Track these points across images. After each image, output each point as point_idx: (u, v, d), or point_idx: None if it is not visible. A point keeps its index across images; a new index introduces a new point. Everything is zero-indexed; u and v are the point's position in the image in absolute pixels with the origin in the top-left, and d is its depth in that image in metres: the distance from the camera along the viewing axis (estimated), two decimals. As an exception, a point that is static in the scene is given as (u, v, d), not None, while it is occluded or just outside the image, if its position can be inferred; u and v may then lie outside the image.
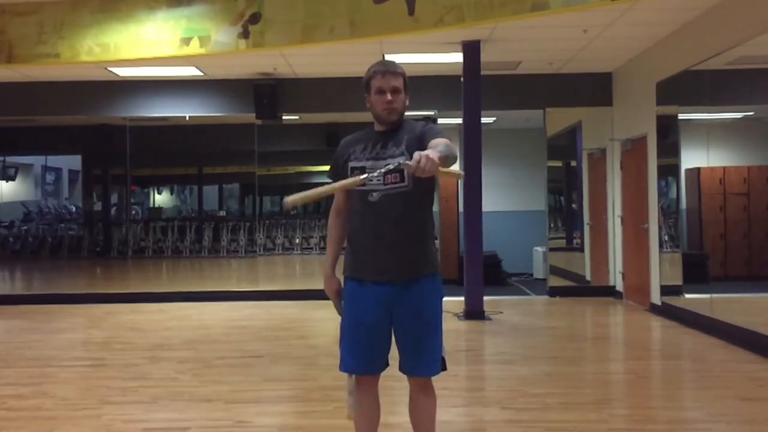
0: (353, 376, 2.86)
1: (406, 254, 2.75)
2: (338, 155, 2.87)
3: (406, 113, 2.87)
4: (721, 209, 6.99)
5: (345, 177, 2.78)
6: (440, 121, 9.25)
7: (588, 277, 9.62)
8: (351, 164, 2.78)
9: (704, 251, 7.17)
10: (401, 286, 2.75)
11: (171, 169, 12.09)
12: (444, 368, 2.83)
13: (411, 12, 5.44)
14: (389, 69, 2.76)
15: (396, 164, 2.53)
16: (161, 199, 12.68)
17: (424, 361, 2.80)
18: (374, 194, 2.71)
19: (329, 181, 2.85)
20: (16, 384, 4.95)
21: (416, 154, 2.30)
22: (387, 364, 2.85)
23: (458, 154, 2.67)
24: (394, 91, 2.74)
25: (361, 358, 2.81)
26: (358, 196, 2.76)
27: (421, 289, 2.77)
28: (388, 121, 2.78)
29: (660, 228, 7.76)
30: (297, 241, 10.76)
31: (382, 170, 2.57)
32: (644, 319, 7.58)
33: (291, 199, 2.48)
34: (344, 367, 2.84)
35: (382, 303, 2.76)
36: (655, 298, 7.79)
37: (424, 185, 2.74)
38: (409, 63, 7.81)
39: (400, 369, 2.85)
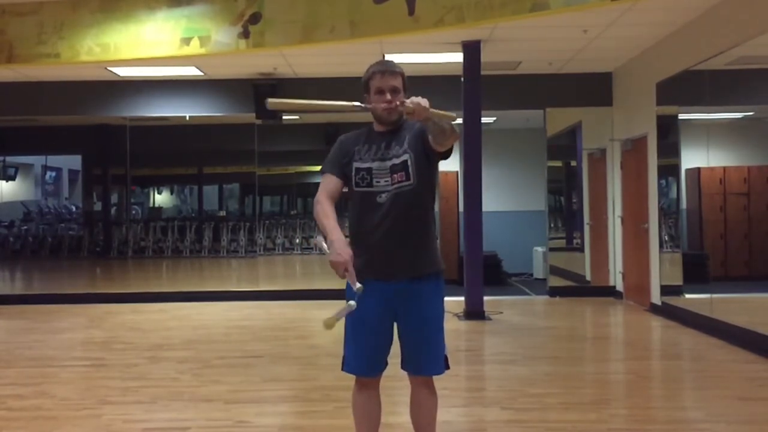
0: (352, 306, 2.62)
1: (412, 252, 2.76)
2: (341, 152, 2.83)
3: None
4: (721, 209, 6.99)
5: (349, 176, 2.79)
6: (440, 121, 9.24)
7: (588, 277, 9.62)
8: (356, 164, 2.79)
9: (704, 251, 7.17)
10: (406, 284, 2.76)
11: (171, 169, 12.08)
12: (447, 367, 2.85)
13: (411, 12, 5.44)
14: (388, 69, 2.77)
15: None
16: (161, 199, 12.68)
17: (429, 359, 2.81)
18: (382, 195, 2.73)
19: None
20: (16, 384, 4.95)
21: (410, 101, 2.49)
22: (386, 365, 2.86)
23: (453, 137, 2.70)
24: (393, 90, 2.74)
25: (364, 358, 2.82)
26: (365, 197, 2.77)
27: (425, 287, 2.79)
28: (388, 120, 2.79)
29: (660, 228, 7.75)
30: (297, 241, 10.76)
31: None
32: (644, 319, 7.58)
33: (273, 100, 2.49)
34: (348, 368, 2.84)
35: (386, 301, 2.76)
36: (655, 298, 7.79)
37: (427, 181, 2.77)
38: (409, 63, 7.81)
39: (403, 367, 2.85)
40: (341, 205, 2.87)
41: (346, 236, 2.72)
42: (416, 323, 2.78)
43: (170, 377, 5.12)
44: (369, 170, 2.74)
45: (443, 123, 2.54)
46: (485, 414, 4.23)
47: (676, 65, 7.13)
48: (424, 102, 2.48)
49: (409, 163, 2.73)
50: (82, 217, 11.90)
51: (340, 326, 2.91)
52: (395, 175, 2.71)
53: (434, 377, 2.87)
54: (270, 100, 2.48)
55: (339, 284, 2.97)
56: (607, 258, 9.21)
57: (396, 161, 2.73)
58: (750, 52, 5.95)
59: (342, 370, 2.87)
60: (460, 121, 7.87)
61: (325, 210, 2.74)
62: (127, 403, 4.43)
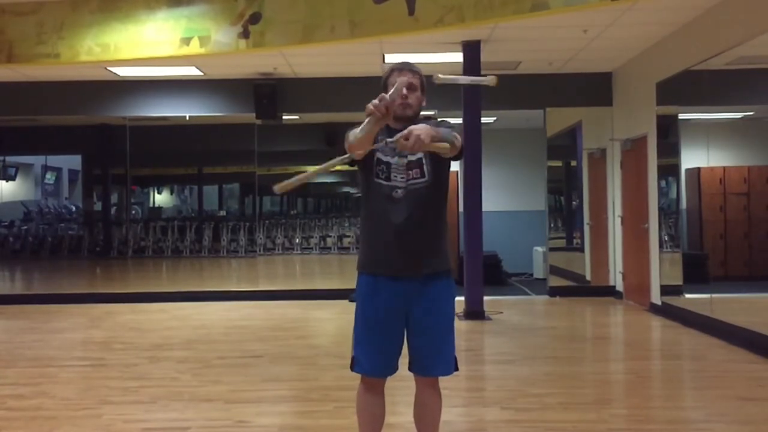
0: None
1: (424, 249, 2.77)
2: None
3: None
4: (721, 209, 6.99)
5: (370, 164, 2.78)
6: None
7: (588, 277, 9.62)
8: (378, 155, 2.78)
9: (704, 251, 7.17)
10: (419, 282, 2.76)
11: (171, 169, 12.08)
12: (456, 368, 2.85)
13: (411, 12, 5.44)
14: (406, 67, 2.82)
15: (384, 143, 2.59)
16: (161, 199, 12.69)
17: (439, 360, 2.81)
18: (399, 191, 2.75)
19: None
20: (16, 384, 4.95)
21: (407, 130, 2.43)
22: (397, 368, 2.85)
23: (460, 146, 2.71)
24: (410, 87, 2.77)
25: (376, 359, 2.80)
26: (381, 191, 2.77)
27: (438, 285, 2.80)
28: (403, 116, 2.77)
29: (660, 228, 7.75)
30: (297, 241, 10.76)
31: (385, 143, 2.60)
32: (644, 319, 7.58)
33: (281, 185, 2.52)
34: (359, 368, 2.82)
35: (399, 300, 2.76)
36: (655, 298, 7.79)
37: (441, 179, 2.80)
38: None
39: (412, 369, 2.84)
40: (353, 206, 2.85)
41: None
42: (427, 323, 2.78)
43: (170, 377, 5.11)
44: (388, 165, 2.76)
45: (442, 147, 2.55)
46: (485, 414, 4.23)
47: (676, 65, 7.13)
48: (424, 135, 2.43)
49: (424, 160, 2.76)
50: (82, 217, 11.90)
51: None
52: (410, 172, 2.74)
53: (438, 378, 2.87)
54: (276, 186, 2.57)
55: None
56: (607, 258, 9.21)
57: (412, 158, 2.75)
58: (750, 52, 5.95)
59: (352, 370, 2.85)
60: (459, 120, 7.87)
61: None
62: (127, 403, 4.43)
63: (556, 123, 9.51)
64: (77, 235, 11.38)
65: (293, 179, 2.57)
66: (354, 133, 2.61)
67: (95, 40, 6.10)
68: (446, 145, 2.56)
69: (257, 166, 9.81)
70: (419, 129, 2.44)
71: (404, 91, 2.74)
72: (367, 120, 2.53)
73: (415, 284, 2.76)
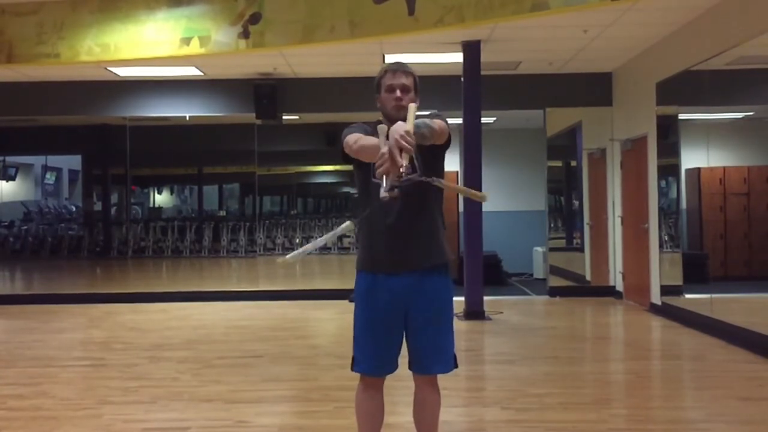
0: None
1: (423, 243, 2.78)
2: (363, 131, 2.75)
3: None
4: (721, 209, 6.99)
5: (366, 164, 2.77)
6: (440, 121, 9.24)
7: (588, 277, 9.62)
8: None
9: (704, 251, 7.17)
10: (418, 278, 2.76)
11: (171, 169, 12.08)
12: (455, 365, 2.85)
13: (411, 12, 5.44)
14: (399, 68, 2.82)
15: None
16: (161, 199, 12.69)
17: (438, 358, 2.81)
18: (395, 190, 2.73)
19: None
20: (16, 384, 4.95)
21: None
22: (397, 366, 2.85)
23: (441, 131, 2.65)
24: (404, 88, 2.77)
25: (375, 358, 2.80)
26: (378, 193, 2.76)
27: (437, 282, 2.80)
28: (397, 117, 2.76)
29: (660, 228, 7.75)
30: (297, 241, 10.76)
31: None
32: (644, 319, 7.58)
33: (290, 256, 2.53)
34: (358, 367, 2.82)
35: (399, 296, 2.76)
36: (655, 298, 7.79)
37: (434, 171, 2.77)
38: (409, 63, 7.80)
39: (411, 367, 2.85)
40: (353, 206, 2.85)
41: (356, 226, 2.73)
42: (426, 321, 2.78)
43: (170, 377, 5.12)
44: None
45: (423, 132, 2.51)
46: (485, 414, 4.23)
47: (676, 65, 7.13)
48: (398, 133, 2.34)
49: (412, 154, 2.73)
50: (82, 217, 11.90)
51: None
52: (402, 168, 2.73)
53: (437, 376, 2.87)
54: (280, 260, 2.66)
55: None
56: (607, 258, 9.21)
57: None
58: (750, 52, 5.95)
59: (352, 370, 2.85)
60: (459, 120, 7.87)
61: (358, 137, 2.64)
62: (127, 403, 4.43)
63: (556, 123, 9.51)
64: (77, 235, 11.38)
65: (299, 251, 2.64)
66: (358, 143, 2.60)
67: (95, 40, 6.10)
68: (426, 133, 2.49)
69: (257, 166, 9.81)
70: (394, 130, 2.35)
71: (398, 93, 2.75)
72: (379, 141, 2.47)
73: (415, 278, 2.76)
